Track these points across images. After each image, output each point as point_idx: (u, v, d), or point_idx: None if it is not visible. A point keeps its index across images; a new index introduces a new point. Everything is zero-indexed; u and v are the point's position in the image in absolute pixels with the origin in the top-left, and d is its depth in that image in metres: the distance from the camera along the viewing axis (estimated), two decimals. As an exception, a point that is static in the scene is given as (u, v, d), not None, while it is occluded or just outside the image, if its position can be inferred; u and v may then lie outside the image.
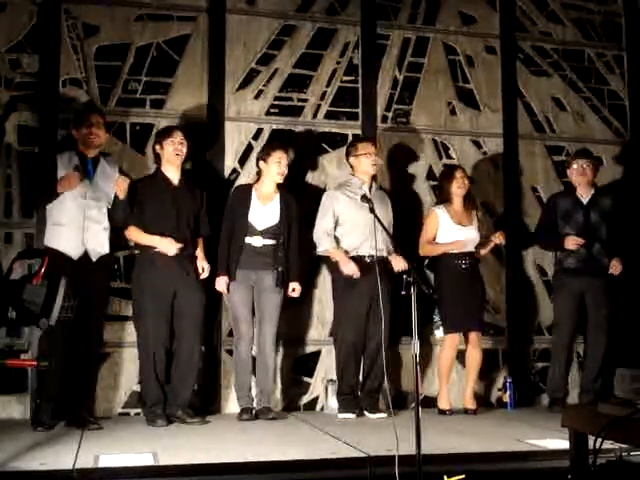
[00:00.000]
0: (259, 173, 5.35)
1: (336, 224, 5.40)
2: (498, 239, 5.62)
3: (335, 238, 5.38)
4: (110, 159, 5.07)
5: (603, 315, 5.56)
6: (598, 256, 5.55)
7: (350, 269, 5.23)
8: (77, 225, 4.77)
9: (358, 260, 5.29)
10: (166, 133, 5.13)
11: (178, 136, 5.08)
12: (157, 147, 5.12)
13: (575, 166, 5.69)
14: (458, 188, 5.58)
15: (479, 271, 5.68)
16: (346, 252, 5.32)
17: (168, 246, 4.91)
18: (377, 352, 5.20)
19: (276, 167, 5.25)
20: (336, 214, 5.39)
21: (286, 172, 5.30)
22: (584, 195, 5.67)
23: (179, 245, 4.92)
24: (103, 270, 4.92)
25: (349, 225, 5.37)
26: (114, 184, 4.89)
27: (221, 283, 5.15)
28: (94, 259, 4.80)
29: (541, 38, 6.60)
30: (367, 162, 5.40)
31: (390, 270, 5.27)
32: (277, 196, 5.30)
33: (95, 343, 4.94)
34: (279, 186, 5.33)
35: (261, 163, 5.30)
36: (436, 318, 5.59)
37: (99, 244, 4.84)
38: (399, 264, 5.26)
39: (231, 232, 5.18)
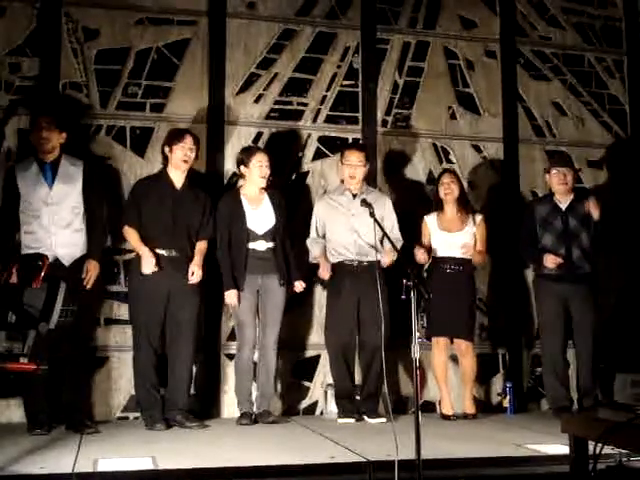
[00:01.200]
0: (240, 177, 5.38)
1: (324, 232, 5.47)
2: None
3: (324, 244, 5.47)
4: (73, 159, 4.91)
5: (589, 320, 5.50)
6: (578, 262, 5.51)
7: (321, 274, 5.37)
8: (45, 231, 4.70)
9: (342, 265, 5.34)
10: (177, 137, 5.07)
11: (188, 142, 5.05)
12: (166, 149, 5.09)
13: (554, 172, 5.62)
14: (444, 193, 5.57)
15: (470, 279, 5.59)
16: (327, 259, 5.39)
17: (147, 263, 4.85)
18: (372, 356, 5.23)
19: (258, 170, 5.24)
20: (319, 222, 5.46)
21: (268, 174, 5.28)
22: (562, 201, 5.61)
23: (155, 269, 4.86)
24: (82, 273, 4.81)
25: (331, 232, 5.43)
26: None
27: (232, 297, 5.09)
28: (67, 264, 4.71)
29: (541, 42, 6.60)
30: (346, 171, 5.43)
31: (385, 274, 5.28)
32: (265, 197, 5.31)
33: (81, 348, 4.88)
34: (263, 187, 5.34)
35: (242, 167, 5.30)
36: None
37: (72, 248, 4.77)
38: (385, 258, 5.26)
39: (229, 242, 5.16)
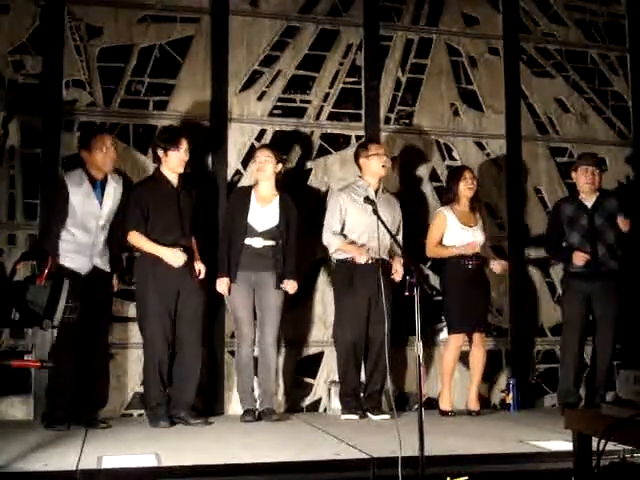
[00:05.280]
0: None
1: (343, 225, 5.39)
2: (497, 267, 5.56)
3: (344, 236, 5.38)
4: (116, 176, 4.98)
5: (611, 317, 5.51)
6: (604, 259, 5.50)
7: (360, 259, 5.23)
8: (90, 243, 4.78)
9: (356, 262, 5.28)
10: (172, 142, 4.96)
11: (183, 147, 4.99)
12: (160, 152, 4.99)
13: (582, 169, 5.60)
14: (467, 189, 5.57)
15: (485, 272, 5.63)
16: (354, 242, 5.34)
17: (174, 258, 4.86)
18: (379, 353, 5.23)
19: (254, 165, 5.31)
20: (342, 215, 5.38)
21: (266, 169, 5.22)
22: (588, 199, 5.60)
23: (185, 257, 4.89)
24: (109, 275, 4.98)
25: (352, 227, 5.37)
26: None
27: (222, 285, 5.13)
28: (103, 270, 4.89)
29: (544, 39, 6.59)
30: (378, 163, 5.38)
31: (391, 272, 5.30)
32: (276, 198, 5.29)
33: (103, 344, 4.98)
34: (279, 188, 5.33)
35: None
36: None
37: (104, 258, 4.90)
38: (397, 274, 5.28)
39: (230, 233, 5.18)
